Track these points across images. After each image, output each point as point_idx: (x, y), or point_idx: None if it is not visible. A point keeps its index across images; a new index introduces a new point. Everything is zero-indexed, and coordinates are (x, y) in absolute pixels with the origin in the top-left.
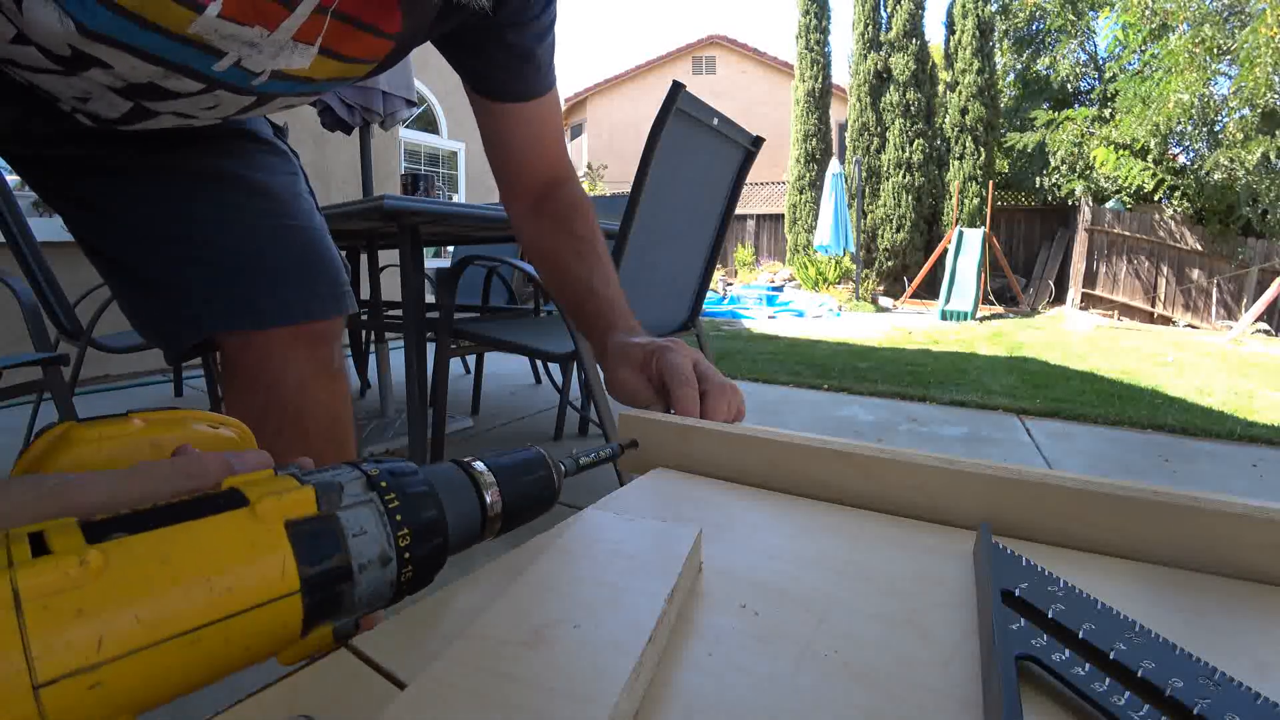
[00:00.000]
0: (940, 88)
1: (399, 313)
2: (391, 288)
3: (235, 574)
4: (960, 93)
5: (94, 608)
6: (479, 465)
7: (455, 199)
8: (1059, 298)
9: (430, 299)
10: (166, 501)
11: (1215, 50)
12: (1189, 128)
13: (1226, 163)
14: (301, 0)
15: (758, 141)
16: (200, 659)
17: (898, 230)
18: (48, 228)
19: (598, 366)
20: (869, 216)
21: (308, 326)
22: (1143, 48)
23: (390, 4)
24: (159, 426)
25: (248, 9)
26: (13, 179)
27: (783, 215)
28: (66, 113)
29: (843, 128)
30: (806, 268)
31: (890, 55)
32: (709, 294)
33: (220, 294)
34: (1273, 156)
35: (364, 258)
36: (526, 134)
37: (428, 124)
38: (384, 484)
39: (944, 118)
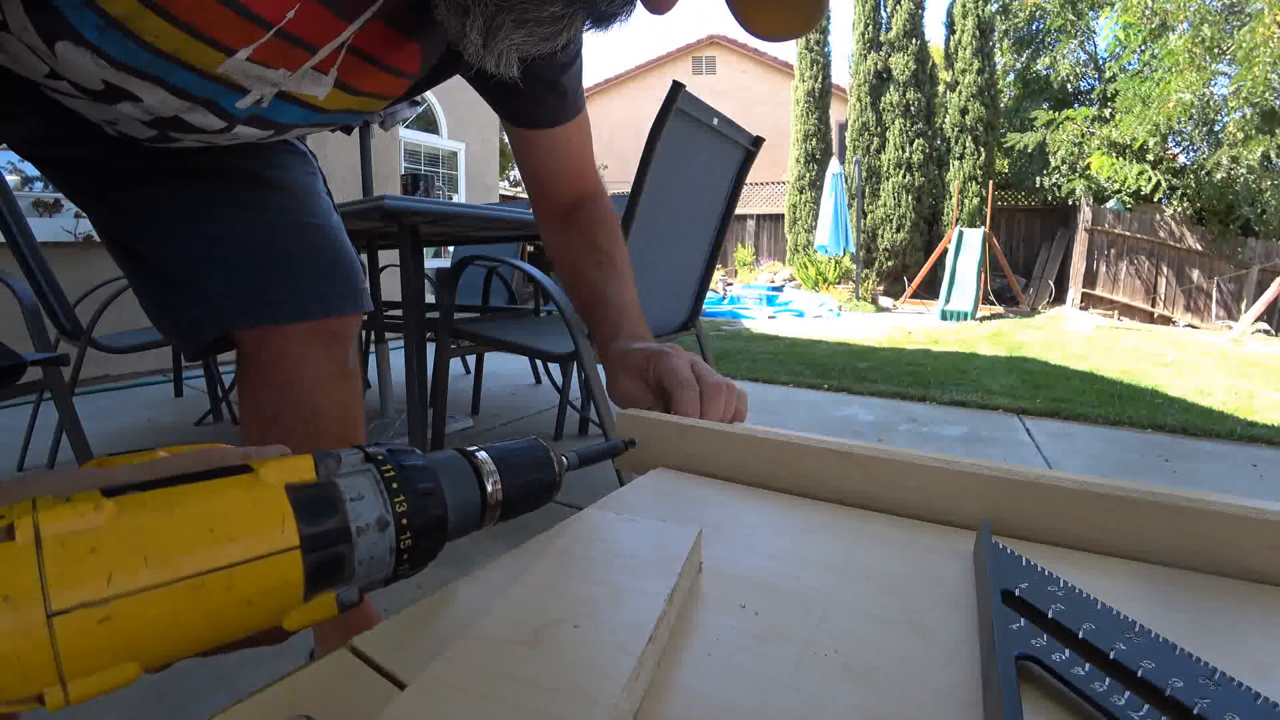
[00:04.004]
0: (940, 88)
1: (399, 313)
2: (391, 288)
3: (238, 526)
4: (960, 93)
5: (106, 547)
6: (481, 454)
7: (455, 199)
8: (1059, 298)
9: (430, 299)
10: None
11: (1215, 50)
12: (1189, 127)
13: (1226, 162)
14: (324, 45)
15: (758, 141)
16: (205, 609)
17: (898, 230)
18: (48, 228)
19: (599, 368)
20: (869, 216)
21: (325, 323)
22: (1143, 48)
23: (413, 50)
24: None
25: (275, 54)
26: (13, 179)
27: (783, 215)
28: (93, 124)
29: (843, 128)
30: (806, 268)
31: (890, 55)
32: (709, 294)
33: (240, 289)
34: (1273, 156)
35: (364, 258)
36: (555, 157)
37: (428, 124)
38: (380, 457)
39: (944, 118)
